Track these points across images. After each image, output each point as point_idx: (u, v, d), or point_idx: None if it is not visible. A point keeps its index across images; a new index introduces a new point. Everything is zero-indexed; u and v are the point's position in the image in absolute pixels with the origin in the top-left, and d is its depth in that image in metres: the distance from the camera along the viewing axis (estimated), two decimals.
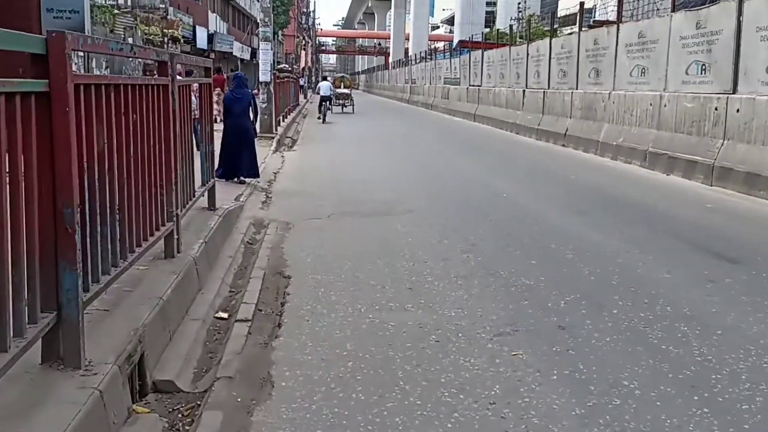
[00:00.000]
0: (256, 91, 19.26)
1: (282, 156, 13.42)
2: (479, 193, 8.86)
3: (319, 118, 22.87)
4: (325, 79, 32.18)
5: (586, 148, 13.32)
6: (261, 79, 15.80)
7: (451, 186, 9.50)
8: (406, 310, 4.47)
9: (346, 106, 27.96)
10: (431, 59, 36.37)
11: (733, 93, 8.93)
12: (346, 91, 30.48)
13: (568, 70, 15.04)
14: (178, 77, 4.91)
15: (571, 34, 17.25)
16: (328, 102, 23.70)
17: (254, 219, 7.46)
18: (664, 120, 10.56)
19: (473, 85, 24.67)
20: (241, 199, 8.20)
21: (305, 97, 44.75)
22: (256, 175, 9.56)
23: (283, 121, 20.31)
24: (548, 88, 16.28)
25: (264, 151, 13.40)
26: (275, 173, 11.00)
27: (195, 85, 15.07)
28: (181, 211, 4.93)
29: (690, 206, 7.85)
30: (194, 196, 5.62)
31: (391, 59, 70.74)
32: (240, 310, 4.52)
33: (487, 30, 38.44)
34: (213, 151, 6.49)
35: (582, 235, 6.45)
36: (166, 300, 3.92)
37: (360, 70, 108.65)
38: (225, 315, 4.54)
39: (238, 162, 9.38)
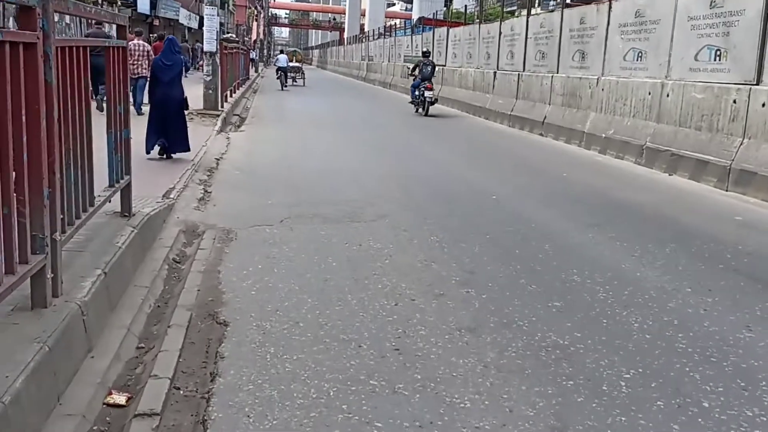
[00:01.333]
0: (200, 62, 17.45)
1: (227, 138, 11.71)
2: (464, 195, 7.42)
3: (279, 88, 26.37)
4: (282, 52, 34.49)
5: (568, 139, 12.04)
6: (205, 49, 13.97)
7: (429, 183, 8.04)
8: (396, 395, 3.01)
9: (297, 79, 30.24)
10: (390, 36, 34.70)
11: (757, 84, 7.71)
12: (297, 65, 32.57)
13: (547, 52, 13.70)
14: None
15: (552, 11, 15.89)
16: (284, 72, 27.49)
17: (186, 224, 5.85)
18: (665, 111, 9.31)
19: (437, 64, 23.14)
20: (171, 195, 6.56)
21: (256, 71, 42.53)
22: (186, 149, 8.82)
23: (231, 96, 18.46)
24: (524, 70, 14.94)
25: (206, 132, 11.69)
26: (218, 159, 9.34)
27: (147, 47, 13.26)
28: (62, 233, 3.33)
29: (719, 220, 6.58)
30: (92, 204, 4.00)
31: (346, 35, 68.60)
32: (146, 390, 2.98)
33: (445, 9, 37.03)
34: (127, 139, 4.84)
35: (608, 261, 5.08)
36: (12, 400, 2.37)
37: (314, 45, 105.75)
38: (122, 399, 2.99)
39: (169, 137, 8.67)
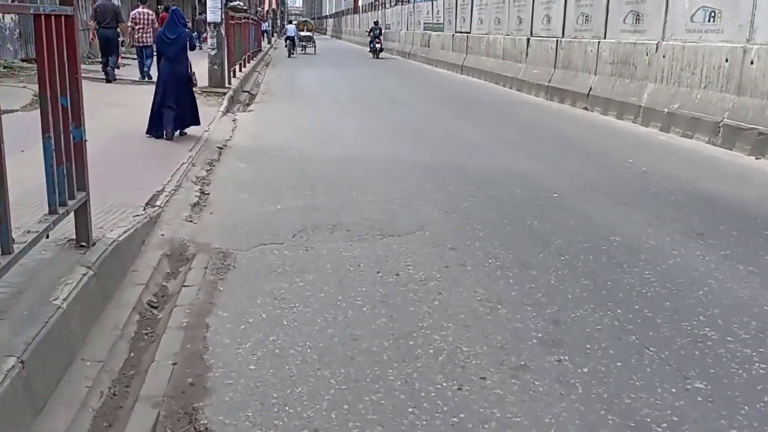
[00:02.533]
0: (205, 35, 16.03)
1: (234, 120, 10.39)
2: (516, 191, 6.05)
3: (287, 56, 29.91)
4: (290, 23, 36.66)
5: (619, 113, 10.55)
6: (209, 19, 12.59)
7: (472, 176, 6.68)
8: None
9: (308, 48, 32.68)
10: (408, 2, 32.90)
11: None
12: (308, 34, 34.89)
13: (592, 14, 12.13)
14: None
15: None
16: (292, 41, 31.11)
17: (172, 245, 4.58)
18: (748, 82, 7.82)
19: (460, 32, 21.56)
20: (158, 202, 5.28)
21: (269, 43, 40.98)
22: (197, 122, 8.55)
23: (240, 71, 17.08)
24: (563, 36, 13.37)
25: (210, 113, 10.36)
26: (220, 148, 8.03)
27: (152, 15, 12.05)
28: None
29: None
30: (7, 251, 2.71)
31: (361, 2, 66.46)
32: None
33: None
34: (80, 143, 3.54)
35: (744, 300, 3.72)
36: None
37: (328, 14, 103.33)
38: None
39: (178, 113, 8.14)
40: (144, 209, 4.99)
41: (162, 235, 4.72)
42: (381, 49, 28.80)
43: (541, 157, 7.63)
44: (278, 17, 64.15)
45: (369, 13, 49.02)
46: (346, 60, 29.02)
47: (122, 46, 15.14)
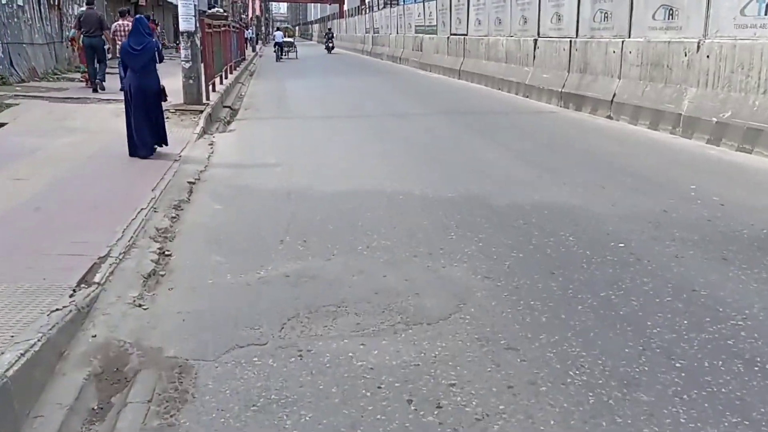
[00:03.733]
0: (178, 45, 14.69)
1: (211, 143, 8.98)
2: (573, 242, 4.67)
3: (275, 60, 31.59)
4: (278, 29, 40.06)
5: (653, 123, 9.24)
6: (181, 28, 11.19)
7: (506, 217, 5.32)
8: None
9: (290, 52, 34.33)
10: (398, 4, 31.61)
11: None
12: (290, 40, 37.30)
13: (613, 11, 10.81)
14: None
15: None
16: (280, 47, 32.85)
17: (106, 352, 3.19)
18: None
19: (456, 34, 20.25)
20: (97, 278, 3.88)
21: (254, 51, 39.57)
22: (164, 142, 7.79)
23: (221, 83, 15.66)
24: (577, 36, 12.05)
25: (185, 136, 9.00)
26: (192, 182, 6.64)
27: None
28: None
29: None
30: None
31: (346, 7, 65.13)
32: None
33: None
34: None
35: None
36: None
37: (313, 19, 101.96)
38: None
39: (140, 132, 7.51)
40: (73, 294, 3.59)
41: (94, 337, 3.32)
42: (333, 47, 40.66)
43: (581, 185, 6.27)
44: (263, 24, 62.77)
45: (356, 17, 47.70)
46: (334, 67, 27.64)
47: (108, 53, 14.17)
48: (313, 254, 4.50)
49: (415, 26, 26.25)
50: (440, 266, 4.22)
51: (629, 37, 10.25)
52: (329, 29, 42.81)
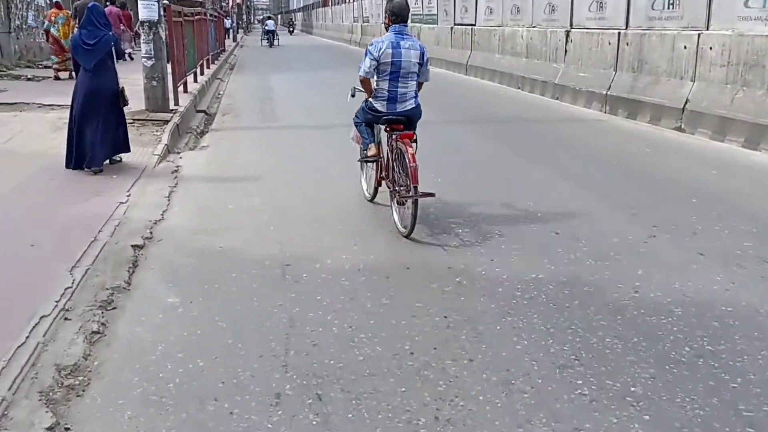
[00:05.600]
0: (132, 33, 12.65)
1: (175, 169, 6.76)
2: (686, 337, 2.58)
3: (268, 46, 33.30)
4: (269, 18, 38.85)
5: (751, 142, 7.18)
6: (141, 16, 8.92)
7: (639, 339, 3.22)
8: None
9: (275, 39, 34.80)
10: None
11: None
12: (273, 29, 38.03)
13: None
14: None
15: None
16: (272, 34, 34.18)
17: None
18: None
19: (462, 24, 18.06)
20: None
21: (234, 41, 37.07)
22: (125, 149, 6.62)
23: (196, 80, 13.38)
24: (627, 27, 9.94)
25: (141, 158, 6.79)
26: (135, 255, 4.43)
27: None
28: None
29: None
30: None
31: None
32: None
33: None
34: None
35: None
36: None
37: (296, 7, 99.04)
38: None
39: (106, 137, 6.30)
40: None
41: None
42: (293, 31, 47.55)
43: (722, 261, 4.16)
44: (243, 12, 60.05)
45: (342, 5, 45.21)
46: (323, 60, 25.34)
47: None
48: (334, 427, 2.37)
49: (412, 15, 23.95)
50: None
51: (707, 29, 8.15)
52: (290, 18, 52.67)
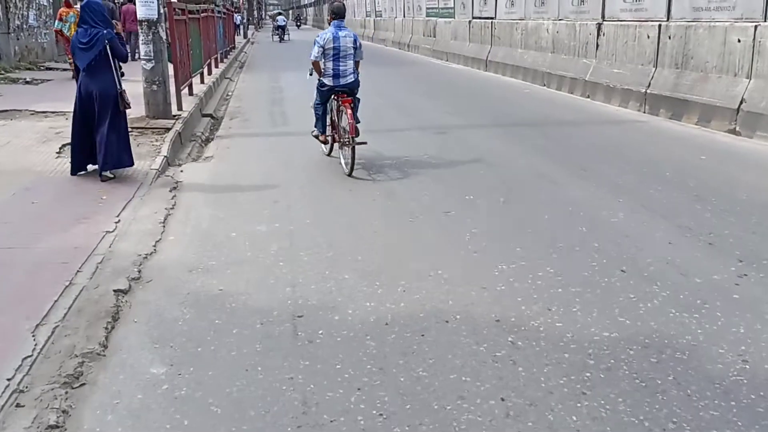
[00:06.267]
0: (123, 28, 11.89)
1: (174, 186, 6.04)
2: None
3: (278, 41, 34.22)
4: (280, 14, 40.35)
5: None
6: (140, 15, 8.21)
7: None
8: None
9: (285, 35, 35.72)
10: None
11: None
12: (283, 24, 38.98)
13: None
14: None
15: None
16: (283, 29, 35.20)
17: None
18: None
19: (480, 18, 17.23)
20: None
21: (245, 37, 36.39)
22: (129, 163, 6.06)
23: (203, 81, 12.68)
24: (668, 18, 9.10)
25: (137, 172, 6.10)
26: (120, 294, 3.71)
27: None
28: None
29: None
30: None
31: None
32: None
33: None
34: None
35: None
36: None
37: (307, 2, 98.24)
38: None
39: (100, 149, 5.85)
40: None
41: None
42: (300, 25, 45.82)
43: None
44: (254, 8, 59.37)
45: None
46: None
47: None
48: None
49: (426, 8, 23.15)
50: None
51: (765, 21, 7.30)
52: (298, 14, 53.00)
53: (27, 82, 12.26)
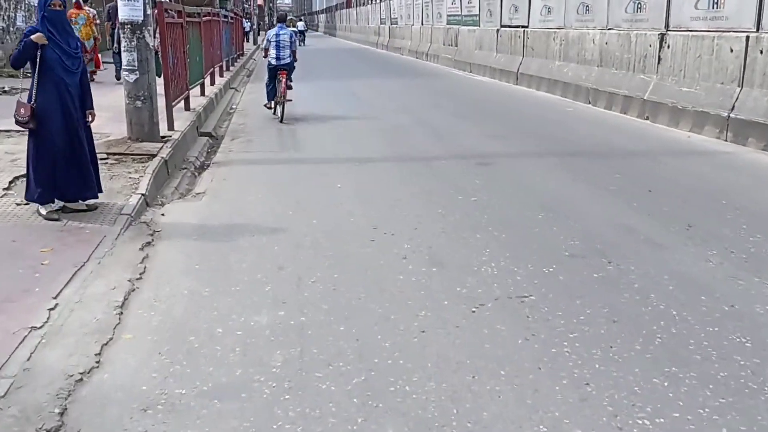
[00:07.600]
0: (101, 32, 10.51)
1: (147, 243, 4.54)
2: None
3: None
4: (300, 19, 40.93)
5: None
6: (121, 16, 6.74)
7: None
8: None
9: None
10: None
11: None
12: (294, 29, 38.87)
13: None
14: None
15: None
16: (302, 34, 34.73)
17: None
18: None
19: (510, 26, 15.74)
20: None
21: (255, 43, 35.04)
22: (92, 195, 4.94)
23: (203, 94, 11.23)
24: (757, 29, 7.59)
25: (103, 217, 4.59)
26: None
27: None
28: None
29: None
30: None
31: None
32: None
33: None
34: None
35: None
36: None
37: (319, 9, 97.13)
38: None
39: (65, 176, 4.76)
40: None
41: None
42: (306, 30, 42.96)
43: None
44: (266, 14, 58.17)
45: (368, 6, 43.03)
46: (348, 64, 23.16)
47: None
48: None
49: (447, 15, 21.69)
50: None
51: None
52: (305, 22, 54.40)
53: (5, 91, 10.83)
